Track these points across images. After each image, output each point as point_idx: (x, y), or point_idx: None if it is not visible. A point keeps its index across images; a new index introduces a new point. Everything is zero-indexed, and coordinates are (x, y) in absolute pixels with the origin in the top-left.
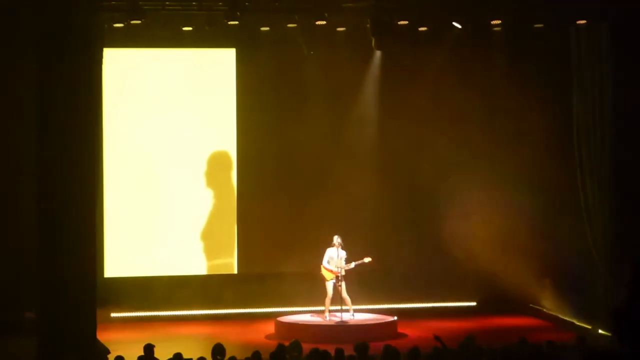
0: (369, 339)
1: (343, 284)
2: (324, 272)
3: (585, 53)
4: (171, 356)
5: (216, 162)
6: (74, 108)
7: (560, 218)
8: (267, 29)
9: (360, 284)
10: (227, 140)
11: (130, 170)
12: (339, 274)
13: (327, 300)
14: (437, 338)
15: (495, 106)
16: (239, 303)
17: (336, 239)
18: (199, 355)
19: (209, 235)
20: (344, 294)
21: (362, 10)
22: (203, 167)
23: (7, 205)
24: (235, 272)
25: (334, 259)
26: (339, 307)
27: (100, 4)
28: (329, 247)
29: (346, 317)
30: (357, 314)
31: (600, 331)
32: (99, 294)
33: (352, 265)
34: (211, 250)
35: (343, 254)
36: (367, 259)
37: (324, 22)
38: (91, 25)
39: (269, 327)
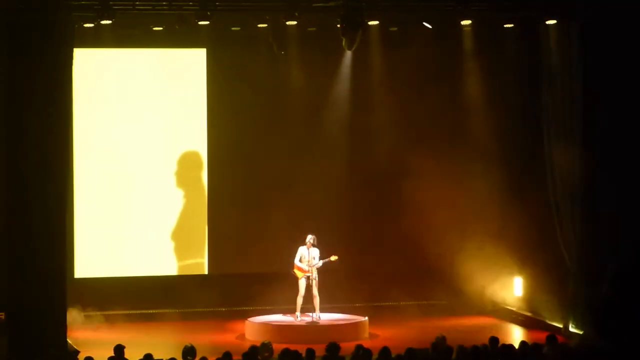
0: (340, 339)
1: (315, 282)
2: (295, 270)
3: (555, 51)
4: (142, 357)
5: (187, 162)
6: (45, 107)
7: (532, 221)
8: (237, 28)
9: (332, 283)
10: (198, 140)
11: (100, 171)
12: (310, 273)
13: (299, 299)
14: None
15: (465, 103)
16: (210, 303)
17: (309, 238)
18: (169, 356)
19: (180, 236)
20: (315, 291)
21: (333, 10)
22: (174, 167)
23: None
24: (206, 272)
25: (306, 258)
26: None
27: (70, 3)
28: (302, 245)
29: (316, 317)
30: (327, 314)
31: (571, 329)
32: (69, 295)
33: (320, 263)
34: (182, 250)
35: (315, 252)
36: (333, 257)
37: (295, 22)
38: (62, 24)
39: (241, 328)
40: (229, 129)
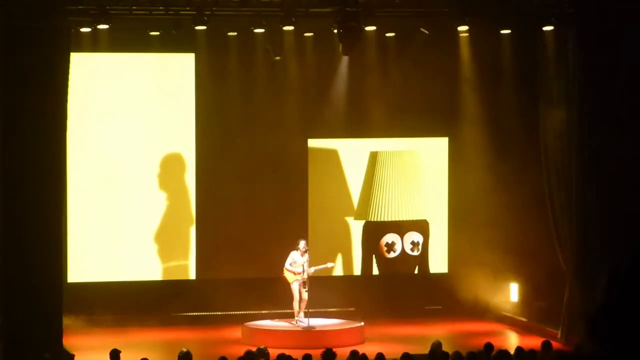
0: (336, 345)
1: (307, 287)
2: (286, 274)
3: (552, 57)
4: None
5: (179, 167)
6: (40, 112)
7: (528, 226)
8: (234, 34)
9: (327, 287)
10: (187, 146)
11: (92, 175)
12: (303, 277)
13: (295, 304)
14: None
15: (462, 108)
16: (204, 307)
17: (302, 244)
18: None
19: (174, 240)
20: (305, 295)
21: (330, 16)
22: (167, 172)
23: None
24: (195, 277)
25: (298, 263)
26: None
27: (68, 8)
28: (294, 250)
29: (312, 322)
30: (323, 319)
31: (567, 335)
32: (63, 300)
33: (312, 270)
34: (178, 254)
35: (306, 258)
36: (329, 264)
37: (292, 27)
38: (59, 28)
39: (236, 333)
40: (217, 133)
